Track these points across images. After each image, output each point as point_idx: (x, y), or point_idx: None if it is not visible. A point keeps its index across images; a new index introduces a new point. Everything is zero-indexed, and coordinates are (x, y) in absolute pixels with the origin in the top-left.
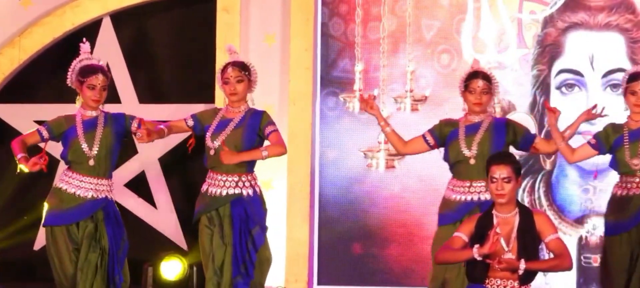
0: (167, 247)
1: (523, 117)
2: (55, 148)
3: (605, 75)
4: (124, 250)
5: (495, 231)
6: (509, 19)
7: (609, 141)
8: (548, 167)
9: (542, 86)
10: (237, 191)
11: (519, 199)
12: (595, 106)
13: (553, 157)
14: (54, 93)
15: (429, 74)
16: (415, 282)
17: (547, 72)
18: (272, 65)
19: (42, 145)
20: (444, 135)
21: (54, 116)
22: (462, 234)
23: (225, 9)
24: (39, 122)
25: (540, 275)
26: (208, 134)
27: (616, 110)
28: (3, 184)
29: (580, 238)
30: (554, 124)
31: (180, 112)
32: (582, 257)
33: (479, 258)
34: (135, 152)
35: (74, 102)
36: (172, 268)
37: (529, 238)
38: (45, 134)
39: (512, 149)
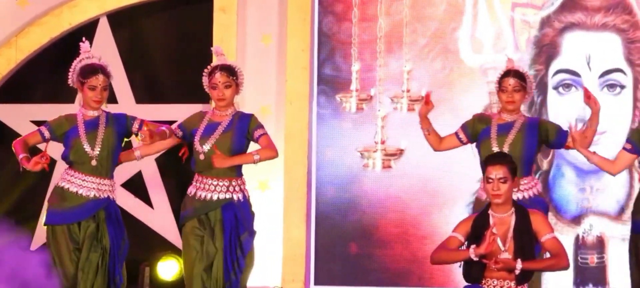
0: (163, 247)
1: None
2: (54, 150)
3: (602, 76)
4: (124, 250)
5: (492, 231)
6: (506, 19)
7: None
8: (545, 166)
9: (540, 86)
10: (228, 196)
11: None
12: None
13: (550, 156)
14: (51, 93)
15: (426, 74)
16: (411, 282)
17: (545, 72)
18: (269, 65)
19: (42, 145)
20: (476, 132)
21: (51, 116)
22: (459, 234)
23: (222, 9)
24: (36, 123)
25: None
26: (196, 138)
27: (612, 110)
28: (1, 184)
29: (577, 238)
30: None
31: (177, 113)
32: (578, 257)
33: (475, 259)
34: None
35: (72, 102)
36: (168, 268)
37: (525, 238)
38: (46, 133)
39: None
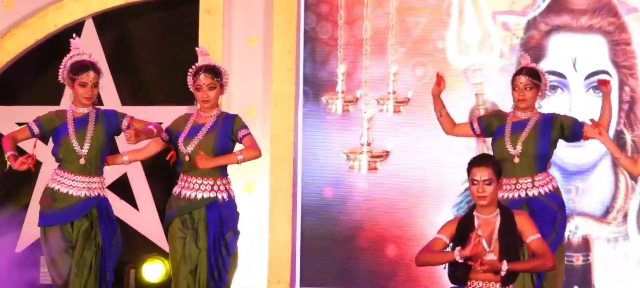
0: (149, 249)
1: None
2: (41, 153)
3: (588, 77)
4: (117, 247)
5: (477, 233)
6: (492, 21)
7: None
8: None
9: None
10: (213, 195)
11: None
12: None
13: None
14: (37, 95)
15: (411, 76)
16: (397, 284)
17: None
18: (255, 67)
19: (32, 141)
20: (491, 128)
21: None
22: (444, 236)
23: (207, 10)
24: (22, 125)
25: None
26: (180, 140)
27: (597, 111)
28: None
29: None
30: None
31: (162, 114)
32: (564, 257)
33: (460, 260)
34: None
35: (57, 104)
36: (154, 270)
37: (510, 239)
38: (35, 129)
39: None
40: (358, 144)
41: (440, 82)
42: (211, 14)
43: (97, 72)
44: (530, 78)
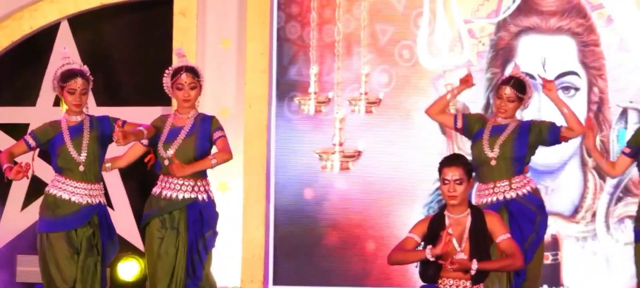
0: (124, 248)
1: None
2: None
3: (557, 78)
4: (112, 253)
5: (448, 232)
6: (463, 24)
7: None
8: None
9: (496, 88)
10: (193, 195)
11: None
12: None
13: None
14: (13, 96)
15: (383, 77)
16: (369, 282)
17: (501, 75)
18: (229, 69)
19: (30, 155)
20: (472, 130)
21: (13, 119)
22: (415, 235)
23: (181, 12)
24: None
25: None
26: (160, 144)
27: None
28: None
29: None
30: (593, 145)
31: (137, 115)
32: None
33: (431, 259)
34: None
35: (33, 105)
36: (129, 269)
37: (480, 239)
38: (31, 142)
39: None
40: (330, 144)
41: (468, 79)
42: (185, 15)
43: (86, 79)
44: (515, 91)
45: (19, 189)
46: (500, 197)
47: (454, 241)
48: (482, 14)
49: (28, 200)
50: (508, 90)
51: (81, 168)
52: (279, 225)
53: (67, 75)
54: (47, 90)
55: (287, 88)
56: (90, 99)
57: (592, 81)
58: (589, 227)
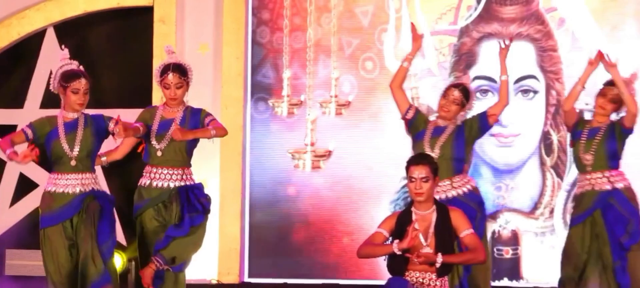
0: None
1: None
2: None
3: (517, 81)
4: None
5: (414, 227)
6: (428, 29)
7: (576, 129)
8: None
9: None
10: (182, 183)
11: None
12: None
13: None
14: (1, 99)
15: (352, 80)
16: (339, 275)
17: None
18: (206, 73)
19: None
20: (418, 127)
21: (1, 121)
22: (384, 230)
23: (161, 19)
24: None
25: None
26: (152, 137)
27: (526, 114)
28: None
29: (493, 233)
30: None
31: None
32: (495, 250)
33: (399, 253)
34: None
35: (21, 107)
36: None
37: (445, 234)
38: (29, 133)
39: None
40: (302, 144)
41: (417, 38)
42: (165, 22)
43: (88, 79)
44: (462, 95)
45: (7, 187)
46: (443, 196)
47: (420, 236)
48: (441, 27)
49: (16, 198)
50: (456, 93)
51: (73, 162)
52: (253, 220)
53: (70, 76)
54: (34, 93)
55: (261, 91)
56: None
57: (550, 84)
58: (548, 223)
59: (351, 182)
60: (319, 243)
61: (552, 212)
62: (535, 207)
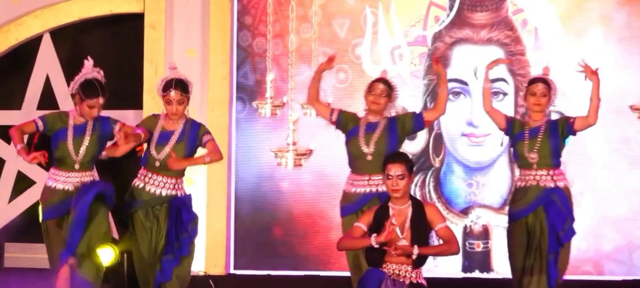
0: None
1: None
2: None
3: None
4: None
5: (391, 221)
6: (402, 35)
7: (514, 131)
8: (437, 164)
9: (432, 94)
10: (174, 192)
11: (412, 193)
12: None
13: (441, 155)
14: (2, 101)
15: (332, 82)
16: (320, 267)
17: (436, 82)
18: (193, 76)
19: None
20: (346, 126)
21: (0, 121)
22: (362, 224)
23: (151, 26)
24: None
25: (430, 259)
26: (152, 146)
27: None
28: None
29: (465, 227)
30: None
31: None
32: (466, 243)
33: (376, 246)
34: None
35: (18, 109)
36: (103, 255)
37: (420, 227)
38: (40, 125)
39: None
40: (285, 144)
41: (331, 61)
42: (155, 28)
43: (105, 95)
44: (386, 87)
45: (6, 183)
46: (374, 190)
47: (397, 229)
48: (410, 39)
49: (14, 194)
50: (381, 85)
51: (76, 166)
52: (239, 215)
53: (90, 94)
54: (31, 95)
55: (245, 93)
56: (70, 104)
57: (519, 87)
58: None
59: (331, 179)
60: (300, 237)
61: None
62: (504, 203)
